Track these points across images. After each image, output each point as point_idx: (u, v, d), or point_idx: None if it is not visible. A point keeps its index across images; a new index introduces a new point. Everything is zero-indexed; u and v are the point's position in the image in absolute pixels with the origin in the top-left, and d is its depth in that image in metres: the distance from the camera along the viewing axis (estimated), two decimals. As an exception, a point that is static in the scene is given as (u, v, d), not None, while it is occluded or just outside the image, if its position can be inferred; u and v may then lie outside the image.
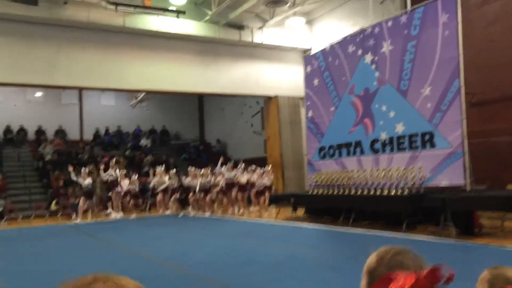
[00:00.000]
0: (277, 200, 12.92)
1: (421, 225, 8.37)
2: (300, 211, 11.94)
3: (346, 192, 10.13)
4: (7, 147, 19.37)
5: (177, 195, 14.73)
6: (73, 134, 21.46)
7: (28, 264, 6.86)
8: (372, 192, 9.41)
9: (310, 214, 11.68)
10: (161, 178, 14.65)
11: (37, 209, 14.90)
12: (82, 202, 13.59)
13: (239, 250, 7.35)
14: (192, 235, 9.58)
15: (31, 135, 20.53)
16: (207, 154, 22.11)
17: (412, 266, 1.00)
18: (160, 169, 15.00)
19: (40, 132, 20.60)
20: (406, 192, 8.63)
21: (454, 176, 8.15)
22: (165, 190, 14.60)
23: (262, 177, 14.07)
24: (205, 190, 14.08)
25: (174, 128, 23.76)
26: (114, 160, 15.23)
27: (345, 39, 11.10)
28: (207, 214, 13.75)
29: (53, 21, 12.97)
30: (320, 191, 10.91)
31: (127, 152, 20.79)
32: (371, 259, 1.08)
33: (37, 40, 13.08)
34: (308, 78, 12.44)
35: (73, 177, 13.88)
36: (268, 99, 17.07)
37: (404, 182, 8.86)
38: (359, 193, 9.73)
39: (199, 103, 25.06)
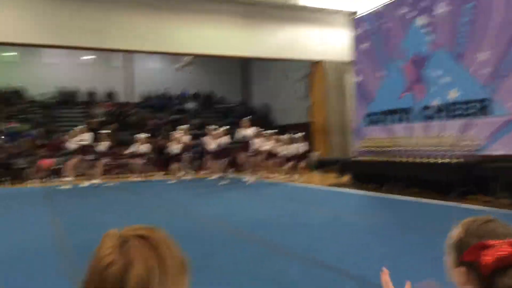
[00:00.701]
0: (322, 165, 12.88)
1: (473, 195, 8.15)
2: (345, 177, 11.90)
3: (394, 158, 9.96)
4: (61, 108, 20.23)
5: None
6: (122, 96, 22.07)
7: (84, 216, 7.27)
8: (421, 160, 9.21)
9: (355, 180, 11.61)
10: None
11: (91, 167, 15.56)
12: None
13: (284, 212, 7.45)
14: (238, 196, 9.78)
15: (83, 96, 21.31)
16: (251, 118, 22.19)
17: (503, 234, 0.96)
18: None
19: (91, 93, 21.33)
20: (457, 160, 8.38)
21: (511, 145, 7.82)
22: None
23: (289, 145, 13.41)
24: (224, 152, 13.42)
25: (219, 91, 23.93)
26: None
27: (396, 0, 10.64)
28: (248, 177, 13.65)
29: (103, -17, 13.16)
30: (367, 158, 10.79)
31: (172, 116, 21.21)
32: (457, 231, 1.02)
33: (88, 3, 13.34)
34: (356, 42, 12.10)
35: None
36: (314, 64, 16.79)
37: (456, 150, 8.60)
38: (407, 160, 9.54)
39: (244, 67, 25.01)
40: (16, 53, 20.75)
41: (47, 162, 15.31)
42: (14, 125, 17.50)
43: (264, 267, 4.16)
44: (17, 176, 14.57)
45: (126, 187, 12.44)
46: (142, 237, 0.81)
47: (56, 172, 14.90)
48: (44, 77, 20.61)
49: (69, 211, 8.14)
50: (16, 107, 19.08)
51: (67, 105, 20.58)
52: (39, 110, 19.44)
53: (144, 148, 14.43)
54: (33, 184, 13.89)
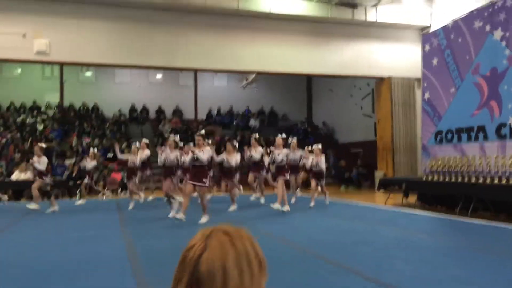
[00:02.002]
0: (387, 184, 12.49)
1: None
2: (412, 198, 11.43)
3: (466, 179, 9.44)
4: (131, 124, 21.27)
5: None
6: (188, 113, 22.80)
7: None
8: (496, 181, 8.66)
9: (422, 201, 11.13)
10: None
11: (157, 182, 16.16)
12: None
13: (349, 230, 7.28)
14: (300, 214, 9.68)
15: (152, 113, 22.27)
16: (314, 136, 22.07)
17: None
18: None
19: (160, 111, 22.24)
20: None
21: None
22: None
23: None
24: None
25: (282, 109, 24.05)
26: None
27: (471, 14, 10.21)
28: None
29: (172, 6, 13.78)
30: (436, 178, 10.32)
31: (237, 132, 21.57)
32: None
33: (159, 25, 14.01)
34: (426, 58, 11.71)
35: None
36: (380, 80, 16.45)
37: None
38: (480, 181, 9.01)
39: (308, 84, 25.01)
40: (92, 73, 22.16)
41: (117, 176, 16.07)
42: (89, 141, 18.56)
43: (332, 286, 4.08)
44: (90, 189, 15.38)
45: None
46: (225, 231, 0.92)
47: (125, 186, 15.58)
48: (117, 96, 21.80)
49: (137, 222, 8.45)
50: (91, 123, 20.28)
51: (137, 122, 21.59)
52: (111, 126, 20.53)
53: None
54: (105, 197, 14.60)
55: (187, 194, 8.21)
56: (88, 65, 19.02)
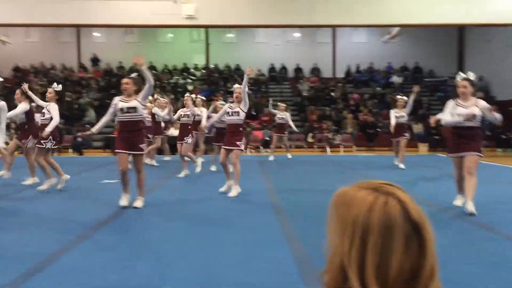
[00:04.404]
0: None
1: None
2: None
3: None
4: (271, 84, 21.76)
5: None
6: (326, 72, 22.47)
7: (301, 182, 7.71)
8: None
9: None
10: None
11: (296, 141, 16.47)
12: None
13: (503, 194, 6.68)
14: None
15: (290, 72, 22.46)
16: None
17: None
18: None
19: (298, 70, 22.31)
20: None
21: None
22: None
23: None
24: None
25: (428, 64, 22.25)
26: None
27: None
28: None
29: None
30: None
31: (378, 89, 20.67)
32: None
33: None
34: None
35: None
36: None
37: None
38: None
39: (459, 36, 22.61)
40: (233, 35, 23.00)
41: (258, 134, 16.74)
42: (232, 100, 19.53)
43: (484, 250, 3.78)
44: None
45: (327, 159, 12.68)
46: (388, 183, 0.92)
47: (266, 144, 16.18)
48: (256, 56, 22.34)
49: (278, 177, 8.76)
50: (233, 83, 21.25)
51: (276, 82, 21.99)
52: (252, 86, 21.26)
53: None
54: (247, 153, 15.35)
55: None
56: (231, 27, 19.75)
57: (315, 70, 22.33)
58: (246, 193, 6.74)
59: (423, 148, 16.17)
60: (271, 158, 12.34)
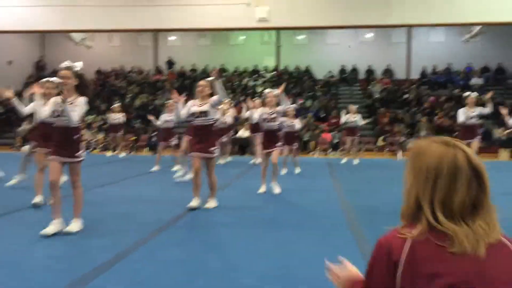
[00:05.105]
0: None
1: None
2: None
3: None
4: (341, 85, 21.45)
5: None
6: (400, 73, 21.75)
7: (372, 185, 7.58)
8: None
9: None
10: None
11: (366, 144, 16.11)
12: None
13: None
14: None
15: (361, 74, 21.99)
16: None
17: None
18: None
19: (369, 71, 21.79)
20: None
21: None
22: None
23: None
24: None
25: (512, 65, 20.82)
26: None
27: None
28: None
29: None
30: None
31: (455, 92, 19.66)
32: None
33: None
34: None
35: None
36: None
37: None
38: None
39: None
40: (305, 36, 22.94)
41: (327, 136, 16.57)
42: (302, 102, 19.48)
43: None
44: (304, 147, 16.26)
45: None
46: (454, 139, 1.23)
47: (335, 146, 16.00)
48: (328, 57, 22.12)
49: (348, 180, 8.64)
50: (304, 85, 21.20)
51: (347, 83, 21.64)
52: (322, 88, 21.09)
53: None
54: (316, 155, 15.25)
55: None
56: (302, 29, 19.73)
57: (388, 72, 21.69)
58: (314, 194, 6.72)
59: (504, 154, 15.16)
60: (344, 161, 12.27)
